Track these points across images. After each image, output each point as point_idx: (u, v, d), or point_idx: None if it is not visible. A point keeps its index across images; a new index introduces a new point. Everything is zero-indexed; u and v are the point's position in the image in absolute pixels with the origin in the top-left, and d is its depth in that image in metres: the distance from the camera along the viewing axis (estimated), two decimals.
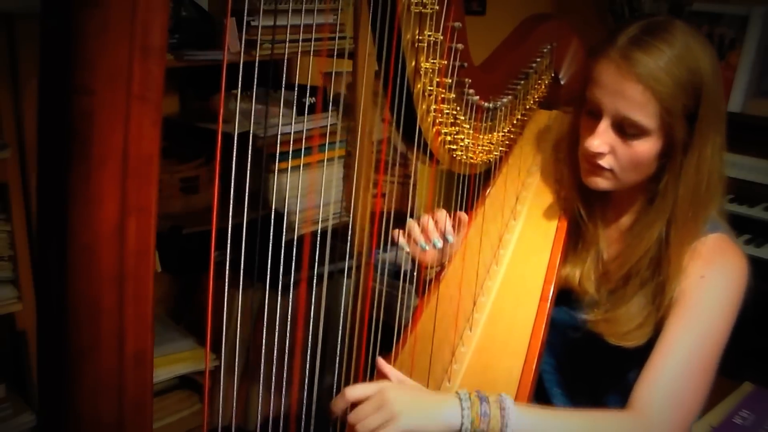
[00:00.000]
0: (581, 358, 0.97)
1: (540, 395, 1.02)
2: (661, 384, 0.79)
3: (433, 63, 0.85)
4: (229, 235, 0.64)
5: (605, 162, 0.90)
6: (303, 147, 1.55)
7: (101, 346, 0.49)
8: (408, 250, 0.96)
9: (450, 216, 0.97)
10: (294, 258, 0.78)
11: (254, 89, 0.64)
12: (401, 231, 0.96)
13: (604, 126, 0.88)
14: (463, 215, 0.97)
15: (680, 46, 0.85)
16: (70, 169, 0.48)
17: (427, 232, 0.95)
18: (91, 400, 0.50)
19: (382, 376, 0.80)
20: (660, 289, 0.88)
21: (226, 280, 0.63)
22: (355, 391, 0.73)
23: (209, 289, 0.59)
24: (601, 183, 0.92)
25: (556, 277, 0.96)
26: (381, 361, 0.79)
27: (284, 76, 0.79)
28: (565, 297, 0.97)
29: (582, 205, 0.99)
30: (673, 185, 0.88)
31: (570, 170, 0.98)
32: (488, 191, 1.10)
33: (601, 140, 0.88)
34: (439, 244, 0.95)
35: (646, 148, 0.87)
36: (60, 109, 0.48)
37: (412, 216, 0.97)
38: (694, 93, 0.85)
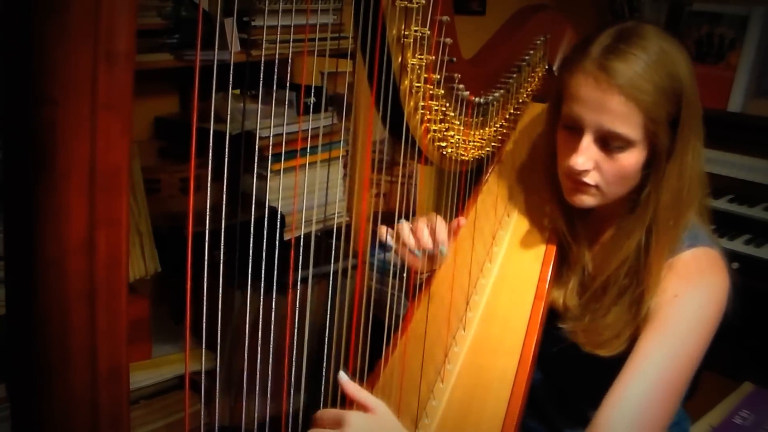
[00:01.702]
0: (566, 372, 0.96)
1: (534, 407, 1.00)
2: (626, 407, 0.78)
3: (421, 59, 0.83)
4: (206, 236, 0.63)
5: (590, 178, 0.87)
6: (297, 148, 1.53)
7: (72, 363, 0.48)
8: (395, 247, 0.91)
9: (447, 221, 0.95)
10: (287, 259, 0.77)
11: (228, 89, 0.62)
12: (389, 229, 0.92)
13: (587, 142, 0.85)
14: (462, 220, 0.94)
15: (656, 51, 0.82)
16: (35, 182, 0.47)
17: (419, 237, 0.90)
18: (64, 417, 0.49)
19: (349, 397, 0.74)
20: (639, 298, 0.86)
21: (204, 281, 0.62)
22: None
23: (187, 292, 0.59)
24: (587, 200, 0.90)
25: (551, 275, 0.95)
26: (344, 379, 0.73)
27: (275, 75, 0.77)
28: (550, 311, 0.95)
29: (565, 224, 0.96)
30: (655, 193, 0.86)
31: (549, 188, 0.96)
32: (481, 187, 1.08)
33: (585, 157, 0.85)
34: (445, 250, 0.89)
35: (632, 159, 0.85)
36: (23, 119, 0.47)
37: (402, 215, 0.95)
38: (675, 98, 0.83)
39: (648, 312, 0.84)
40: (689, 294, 0.84)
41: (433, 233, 0.90)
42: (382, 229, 0.91)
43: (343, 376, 0.72)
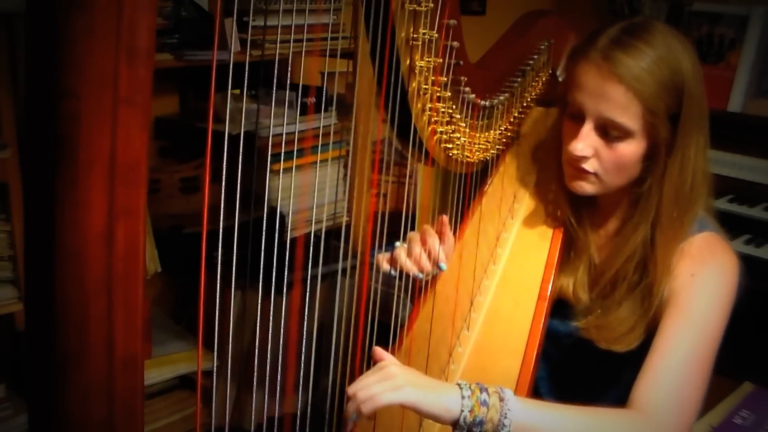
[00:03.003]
0: (575, 366, 0.97)
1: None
2: (663, 383, 0.78)
3: (428, 61, 0.84)
4: (228, 234, 0.63)
5: (589, 165, 0.89)
6: (298, 147, 1.55)
7: (90, 352, 0.49)
8: (395, 274, 0.90)
9: (450, 224, 0.95)
10: (291, 259, 0.78)
11: (231, 89, 0.63)
12: (385, 256, 0.90)
13: (587, 129, 0.87)
14: (444, 218, 0.93)
15: (661, 45, 0.84)
16: (56, 174, 0.48)
17: (418, 261, 0.89)
18: (81, 406, 0.49)
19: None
20: (648, 292, 0.87)
21: (218, 280, 0.63)
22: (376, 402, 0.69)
23: (200, 289, 0.59)
24: (586, 187, 0.91)
25: (554, 276, 0.96)
26: (378, 350, 0.75)
27: (276, 75, 0.78)
28: (558, 305, 0.96)
29: (570, 212, 0.98)
30: (656, 187, 0.88)
31: (555, 176, 0.97)
32: (485, 189, 1.09)
33: (584, 143, 0.87)
34: (445, 267, 0.89)
35: (630, 150, 0.87)
36: (46, 112, 0.47)
37: (408, 215, 0.96)
38: (676, 93, 0.84)
39: (665, 296, 0.85)
40: (705, 273, 0.85)
41: (429, 252, 0.89)
42: (380, 257, 0.91)
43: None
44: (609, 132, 0.86)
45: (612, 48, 0.84)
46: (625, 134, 0.86)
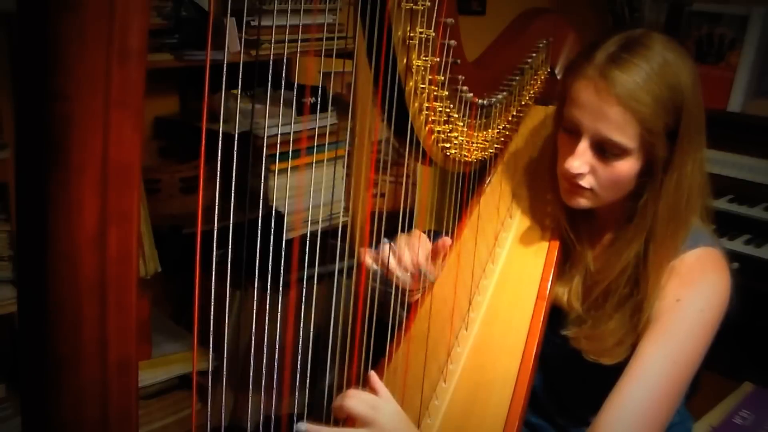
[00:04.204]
0: (567, 376, 0.97)
1: (539, 406, 1.01)
2: (626, 412, 0.79)
3: (425, 60, 0.84)
4: (225, 234, 0.63)
5: (585, 182, 0.89)
6: (297, 147, 1.54)
7: (83, 355, 0.49)
8: (376, 267, 0.89)
9: (449, 224, 0.95)
10: (290, 258, 0.77)
11: (232, 88, 0.63)
12: (369, 251, 0.89)
13: (584, 146, 0.87)
14: (447, 240, 0.92)
15: (659, 61, 0.83)
16: (48, 177, 0.47)
17: (402, 260, 0.88)
18: (75, 409, 0.49)
19: (372, 390, 0.77)
20: (638, 307, 0.87)
21: (212, 280, 0.63)
22: (352, 406, 0.72)
23: (195, 289, 0.59)
24: (582, 202, 0.92)
25: (553, 276, 0.95)
26: (373, 377, 0.76)
27: (272, 75, 0.77)
28: (552, 313, 0.96)
29: (567, 223, 0.97)
30: (652, 203, 0.87)
31: (551, 188, 0.97)
32: (484, 188, 1.09)
33: (580, 161, 0.87)
34: (432, 278, 0.88)
35: (627, 167, 0.86)
36: (37, 115, 0.47)
37: (406, 215, 0.96)
38: (674, 110, 0.84)
39: (652, 314, 0.85)
40: (691, 298, 0.85)
41: (415, 256, 0.88)
42: (363, 252, 0.89)
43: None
44: (606, 150, 0.86)
45: (609, 66, 0.83)
46: (622, 152, 0.85)
